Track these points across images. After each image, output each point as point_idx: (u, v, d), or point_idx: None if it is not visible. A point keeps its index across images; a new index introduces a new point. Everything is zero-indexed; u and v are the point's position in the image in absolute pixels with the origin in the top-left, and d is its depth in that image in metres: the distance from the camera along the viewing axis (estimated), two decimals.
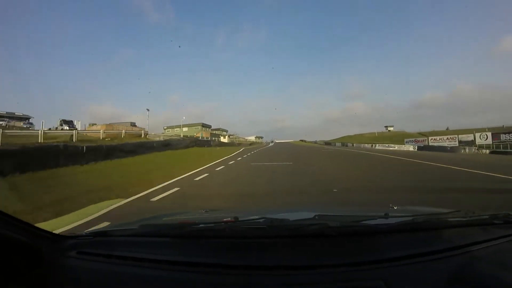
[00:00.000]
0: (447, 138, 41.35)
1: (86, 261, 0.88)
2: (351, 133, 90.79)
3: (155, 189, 5.95)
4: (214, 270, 0.80)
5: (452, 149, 30.56)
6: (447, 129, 56.78)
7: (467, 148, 31.90)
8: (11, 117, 31.09)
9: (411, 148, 37.52)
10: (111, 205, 4.51)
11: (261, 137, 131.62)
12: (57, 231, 0.97)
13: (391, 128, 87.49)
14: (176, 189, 5.97)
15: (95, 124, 30.68)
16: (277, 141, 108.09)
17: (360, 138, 73.18)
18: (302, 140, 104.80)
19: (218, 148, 31.03)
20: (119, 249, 0.93)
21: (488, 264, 0.82)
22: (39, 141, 13.25)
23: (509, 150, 28.96)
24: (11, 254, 0.76)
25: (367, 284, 0.74)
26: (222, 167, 10.86)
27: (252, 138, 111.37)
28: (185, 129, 51.14)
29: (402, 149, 37.40)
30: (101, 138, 17.88)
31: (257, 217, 1.03)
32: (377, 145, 43.67)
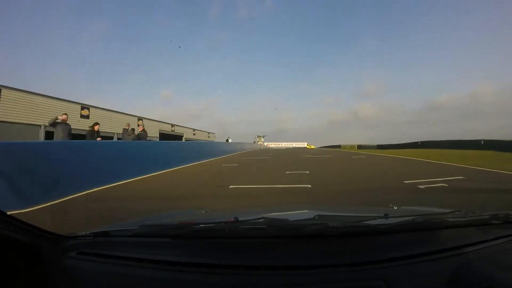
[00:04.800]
0: None
1: (86, 262, 0.88)
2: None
3: None
4: (214, 271, 0.81)
5: None
6: None
7: None
8: None
9: None
10: None
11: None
12: (57, 232, 0.98)
13: None
14: None
15: None
16: (271, 146, 53.18)
17: None
18: (360, 147, 39.20)
19: None
20: (119, 249, 0.93)
21: (488, 264, 0.82)
22: None
23: None
24: (11, 254, 0.76)
25: (367, 284, 0.74)
26: None
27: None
28: None
29: None
30: None
31: (257, 217, 1.03)
32: None
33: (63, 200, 4.69)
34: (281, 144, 65.47)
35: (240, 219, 1.00)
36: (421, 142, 29.44)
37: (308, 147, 60.80)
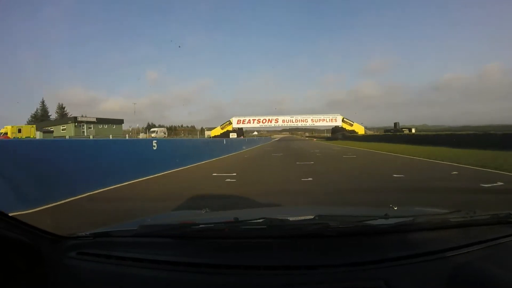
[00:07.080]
0: None
1: (86, 262, 0.88)
2: None
3: None
4: (214, 271, 0.80)
5: None
6: None
7: None
8: None
9: None
10: None
11: None
12: (58, 232, 0.97)
13: None
14: None
15: None
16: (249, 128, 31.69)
17: None
18: None
19: None
20: (119, 249, 0.93)
21: (488, 264, 0.82)
22: None
23: None
24: (11, 254, 0.76)
25: (368, 284, 0.74)
26: None
27: None
28: None
29: None
30: None
31: (257, 217, 1.03)
32: None
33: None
34: (277, 121, 32.25)
35: (240, 219, 1.00)
36: None
37: (345, 127, 30.82)
